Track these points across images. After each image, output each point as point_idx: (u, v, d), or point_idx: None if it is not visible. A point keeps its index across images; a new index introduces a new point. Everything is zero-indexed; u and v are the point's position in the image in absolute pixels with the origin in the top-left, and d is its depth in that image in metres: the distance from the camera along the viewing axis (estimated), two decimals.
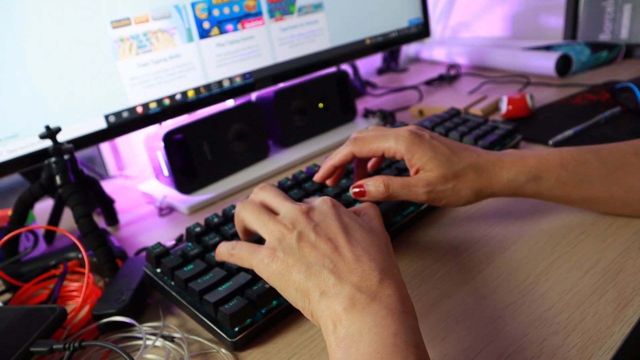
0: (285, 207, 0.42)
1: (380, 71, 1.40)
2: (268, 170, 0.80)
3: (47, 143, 0.63)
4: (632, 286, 0.44)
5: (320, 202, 0.42)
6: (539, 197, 0.52)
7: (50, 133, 0.60)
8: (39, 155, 0.64)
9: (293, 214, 0.40)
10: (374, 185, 0.49)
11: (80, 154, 0.94)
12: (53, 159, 0.60)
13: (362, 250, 0.37)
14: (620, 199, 0.51)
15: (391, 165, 0.62)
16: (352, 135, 0.54)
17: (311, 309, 0.36)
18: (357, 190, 0.50)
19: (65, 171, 0.60)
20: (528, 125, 0.82)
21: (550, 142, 0.74)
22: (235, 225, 0.46)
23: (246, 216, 0.43)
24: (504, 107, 0.87)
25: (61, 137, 0.65)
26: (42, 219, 0.72)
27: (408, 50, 1.48)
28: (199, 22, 0.74)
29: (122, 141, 1.01)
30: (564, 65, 1.08)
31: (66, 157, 0.61)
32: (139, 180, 0.89)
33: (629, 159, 0.50)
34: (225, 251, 0.44)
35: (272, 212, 0.43)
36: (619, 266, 0.47)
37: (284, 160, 0.83)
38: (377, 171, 0.61)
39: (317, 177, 0.54)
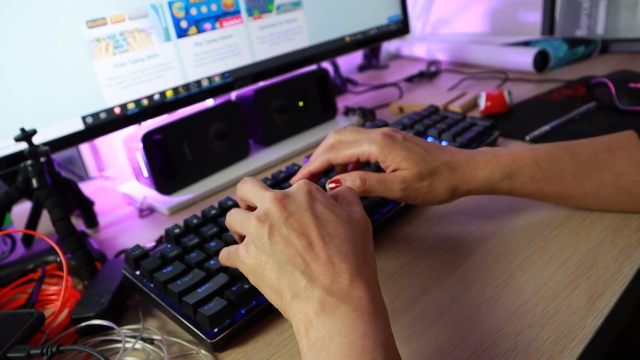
0: (260, 197, 0.41)
1: (362, 68, 1.40)
2: (249, 170, 0.80)
3: (23, 146, 0.62)
4: (604, 279, 0.45)
5: (296, 189, 0.41)
6: (514, 194, 0.53)
7: (26, 135, 0.59)
8: (14, 158, 0.63)
9: (267, 204, 0.39)
10: (350, 180, 0.50)
11: (59, 155, 0.94)
12: (29, 162, 0.60)
13: (335, 249, 0.36)
14: (593, 194, 0.52)
15: (370, 165, 0.63)
16: (328, 137, 0.55)
17: (284, 309, 0.37)
18: (333, 185, 0.51)
19: (42, 174, 0.60)
20: (506, 121, 0.83)
21: (528, 137, 0.75)
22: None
23: (231, 222, 0.43)
24: (482, 103, 0.88)
25: (37, 139, 0.64)
26: (20, 222, 0.72)
27: (389, 47, 1.48)
28: (176, 21, 0.73)
29: (102, 142, 1.00)
30: (541, 61, 1.09)
31: (42, 159, 0.61)
32: (119, 182, 0.88)
33: (600, 155, 0.51)
34: (220, 256, 0.45)
35: (251, 208, 0.43)
36: (592, 259, 0.48)
37: (264, 159, 0.83)
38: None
39: (293, 181, 0.55)
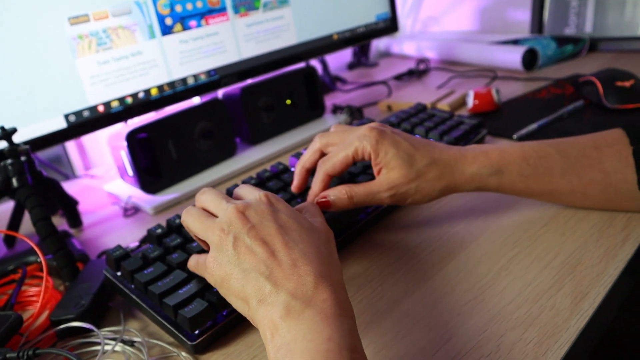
0: (222, 209, 0.41)
1: (351, 66, 1.39)
2: (235, 169, 0.79)
3: (3, 144, 0.61)
4: (588, 279, 0.45)
5: (257, 201, 0.41)
6: (502, 190, 0.52)
7: (6, 134, 0.58)
8: None
9: (229, 216, 0.39)
10: (337, 197, 0.50)
11: (45, 154, 0.93)
12: (9, 161, 0.59)
13: (299, 252, 0.37)
14: (580, 191, 0.52)
15: (355, 163, 0.62)
16: (314, 141, 0.54)
17: (251, 316, 0.36)
18: (321, 200, 0.50)
19: (22, 173, 0.59)
20: (494, 120, 0.83)
21: (515, 136, 0.75)
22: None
23: (189, 224, 0.43)
24: (470, 101, 0.88)
25: (18, 138, 0.63)
26: (2, 222, 0.70)
27: (378, 44, 1.48)
28: (161, 18, 0.72)
29: (88, 140, 0.99)
30: (530, 59, 1.09)
31: (23, 158, 0.60)
32: (105, 180, 0.87)
33: (588, 152, 0.51)
34: (190, 264, 0.44)
35: (212, 215, 0.42)
36: (577, 259, 0.47)
37: (251, 158, 0.82)
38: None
39: (295, 189, 0.55)
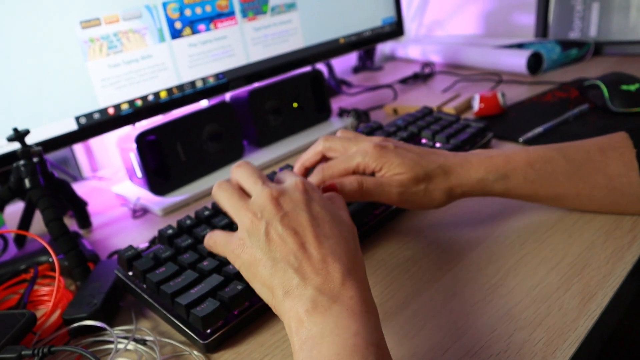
0: (256, 190, 0.41)
1: (356, 69, 1.40)
2: None
3: (16, 146, 0.62)
4: (596, 280, 0.45)
5: (293, 187, 0.42)
6: (508, 195, 0.53)
7: (19, 135, 0.59)
8: (7, 158, 0.63)
9: (263, 200, 0.40)
10: (348, 183, 0.49)
11: (53, 156, 0.94)
12: (22, 162, 0.59)
13: (329, 248, 0.37)
14: (586, 195, 0.52)
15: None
16: (317, 143, 0.54)
17: (275, 305, 0.37)
18: (329, 184, 0.50)
19: (35, 174, 0.60)
20: (499, 123, 0.84)
21: (521, 139, 0.76)
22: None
23: (220, 200, 0.43)
24: (476, 105, 0.88)
25: (31, 140, 0.64)
26: (12, 223, 0.71)
27: (384, 48, 1.49)
28: (170, 22, 0.73)
29: (96, 142, 1.00)
30: (535, 63, 1.09)
31: (35, 159, 0.60)
32: (113, 182, 0.88)
33: (593, 156, 0.52)
34: (207, 240, 0.45)
35: (246, 194, 0.43)
36: (584, 261, 0.48)
37: (258, 160, 0.83)
38: None
39: None
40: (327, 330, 0.33)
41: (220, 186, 0.44)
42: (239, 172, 0.45)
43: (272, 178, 0.61)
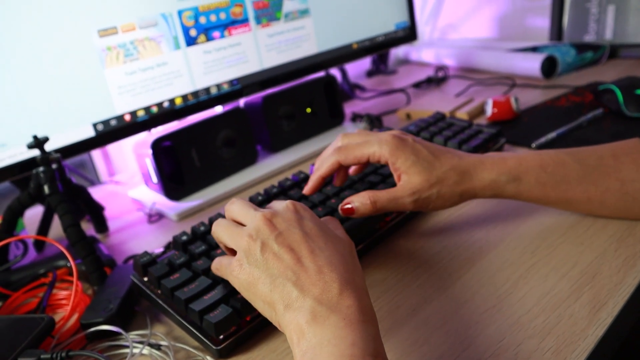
0: (250, 216, 0.43)
1: (370, 73, 1.40)
2: (256, 176, 0.81)
3: (35, 152, 0.64)
4: (607, 289, 0.45)
5: (284, 209, 0.43)
6: (519, 197, 0.53)
7: (38, 142, 0.60)
8: (27, 165, 0.64)
9: (257, 223, 0.41)
10: (361, 203, 0.51)
11: (70, 160, 0.95)
12: (41, 169, 0.61)
13: (325, 259, 0.38)
14: (598, 200, 0.52)
15: (376, 171, 0.63)
16: (336, 140, 0.55)
17: (277, 320, 0.38)
18: (346, 207, 0.51)
19: (53, 180, 0.61)
20: (512, 128, 0.84)
21: (534, 145, 0.75)
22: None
23: (218, 234, 0.44)
24: (489, 110, 0.88)
25: (49, 146, 0.65)
26: (32, 227, 0.73)
27: (397, 52, 1.49)
28: (185, 30, 0.74)
29: (113, 147, 1.02)
30: (549, 67, 1.09)
31: (54, 166, 0.62)
32: (129, 186, 0.89)
33: (606, 160, 0.52)
34: (213, 265, 0.46)
35: (241, 225, 0.44)
36: (595, 269, 0.48)
37: (272, 165, 0.84)
38: (360, 177, 0.62)
39: (307, 191, 0.56)
40: (325, 341, 0.34)
41: (217, 223, 0.45)
42: (232, 207, 0.46)
43: (283, 185, 0.62)
